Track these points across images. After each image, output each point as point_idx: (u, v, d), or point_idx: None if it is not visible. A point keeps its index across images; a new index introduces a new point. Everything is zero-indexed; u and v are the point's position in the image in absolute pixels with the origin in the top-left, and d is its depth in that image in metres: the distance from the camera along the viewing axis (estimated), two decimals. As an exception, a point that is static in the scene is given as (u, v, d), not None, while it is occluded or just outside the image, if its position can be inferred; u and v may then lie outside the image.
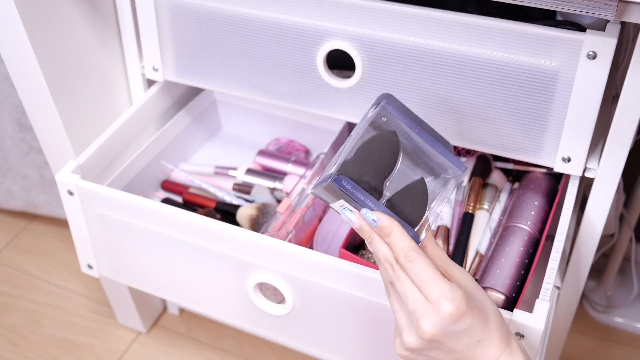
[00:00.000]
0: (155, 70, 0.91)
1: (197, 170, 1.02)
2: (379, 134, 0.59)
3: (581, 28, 0.69)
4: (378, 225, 0.56)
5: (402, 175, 0.59)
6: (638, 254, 1.19)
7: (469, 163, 0.91)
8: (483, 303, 0.55)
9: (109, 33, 0.91)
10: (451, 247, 0.84)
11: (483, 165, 0.90)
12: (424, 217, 0.58)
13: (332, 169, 0.57)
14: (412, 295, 0.53)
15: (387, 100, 0.59)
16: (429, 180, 0.59)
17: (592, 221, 0.78)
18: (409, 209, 0.58)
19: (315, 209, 0.90)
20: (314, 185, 0.59)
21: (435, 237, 0.84)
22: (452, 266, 0.56)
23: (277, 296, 0.79)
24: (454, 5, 0.72)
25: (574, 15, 0.72)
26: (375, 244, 0.56)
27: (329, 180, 0.56)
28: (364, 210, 0.56)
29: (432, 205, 0.58)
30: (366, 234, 0.57)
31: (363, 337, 0.75)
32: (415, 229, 0.58)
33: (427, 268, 0.53)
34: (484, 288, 0.75)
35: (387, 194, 0.59)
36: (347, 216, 0.57)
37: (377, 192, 0.58)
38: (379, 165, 0.58)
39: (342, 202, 0.57)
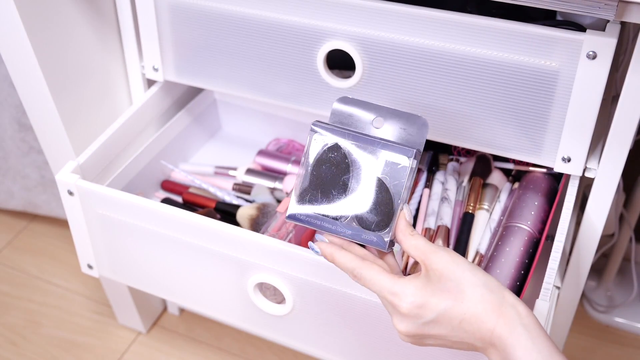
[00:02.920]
0: (155, 70, 0.91)
1: (197, 170, 1.02)
2: (322, 152, 0.62)
3: (581, 28, 0.69)
4: (321, 254, 0.61)
5: (359, 181, 0.61)
6: (638, 254, 1.19)
7: (469, 163, 0.91)
8: (459, 283, 0.54)
9: (109, 33, 0.91)
10: (451, 248, 0.84)
11: (483, 165, 0.90)
12: (394, 214, 0.59)
13: (290, 204, 0.62)
14: (382, 301, 0.58)
15: (313, 125, 0.62)
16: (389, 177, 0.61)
17: (592, 221, 0.78)
18: (375, 212, 0.60)
19: (315, 209, 0.90)
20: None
21: (435, 237, 0.84)
22: (430, 253, 0.56)
23: (277, 296, 0.79)
24: (454, 5, 0.72)
25: (574, 15, 0.72)
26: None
27: (286, 218, 0.63)
28: (310, 245, 0.62)
29: (400, 199, 0.59)
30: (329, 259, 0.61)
31: (363, 337, 0.75)
32: (389, 229, 0.59)
33: (373, 280, 0.56)
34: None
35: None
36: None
37: (344, 207, 0.61)
38: (335, 180, 0.61)
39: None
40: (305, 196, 0.62)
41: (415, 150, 0.59)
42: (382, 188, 0.60)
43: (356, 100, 0.63)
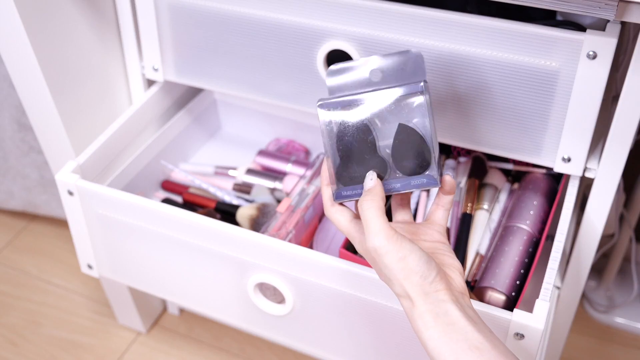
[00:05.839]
0: (155, 70, 0.91)
1: (197, 170, 1.02)
2: (337, 128, 0.62)
3: (581, 28, 0.69)
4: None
5: (388, 134, 0.61)
6: (638, 254, 1.19)
7: (467, 164, 0.91)
8: (418, 262, 0.56)
9: (109, 33, 0.91)
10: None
11: (477, 165, 0.90)
12: (431, 150, 0.60)
13: (334, 186, 0.64)
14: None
15: (318, 107, 0.62)
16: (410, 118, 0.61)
17: (592, 221, 0.78)
18: (413, 155, 0.60)
19: (315, 209, 0.90)
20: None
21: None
22: (433, 227, 0.64)
23: (277, 296, 0.79)
24: (454, 5, 0.72)
25: (574, 15, 0.72)
26: None
27: (334, 198, 0.64)
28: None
29: (429, 135, 0.60)
30: None
31: (363, 337, 0.75)
32: (433, 166, 0.60)
33: (369, 217, 0.58)
34: (484, 288, 0.75)
35: (388, 153, 0.62)
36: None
37: (382, 165, 0.61)
38: (363, 145, 0.61)
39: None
40: (343, 173, 0.62)
41: (422, 84, 0.59)
42: (409, 131, 0.60)
43: (344, 68, 0.62)
